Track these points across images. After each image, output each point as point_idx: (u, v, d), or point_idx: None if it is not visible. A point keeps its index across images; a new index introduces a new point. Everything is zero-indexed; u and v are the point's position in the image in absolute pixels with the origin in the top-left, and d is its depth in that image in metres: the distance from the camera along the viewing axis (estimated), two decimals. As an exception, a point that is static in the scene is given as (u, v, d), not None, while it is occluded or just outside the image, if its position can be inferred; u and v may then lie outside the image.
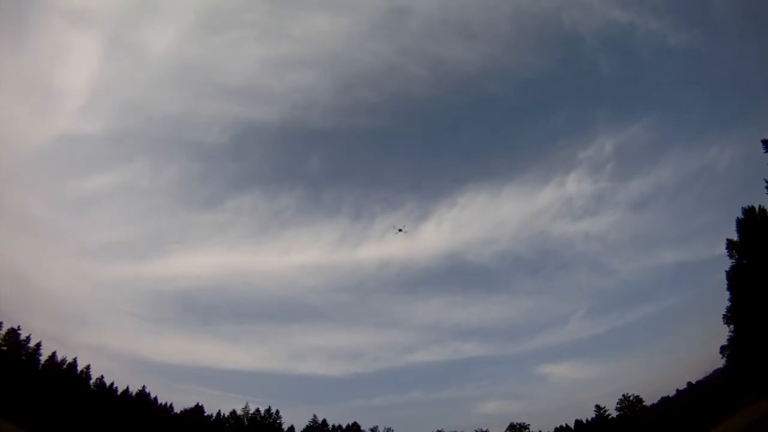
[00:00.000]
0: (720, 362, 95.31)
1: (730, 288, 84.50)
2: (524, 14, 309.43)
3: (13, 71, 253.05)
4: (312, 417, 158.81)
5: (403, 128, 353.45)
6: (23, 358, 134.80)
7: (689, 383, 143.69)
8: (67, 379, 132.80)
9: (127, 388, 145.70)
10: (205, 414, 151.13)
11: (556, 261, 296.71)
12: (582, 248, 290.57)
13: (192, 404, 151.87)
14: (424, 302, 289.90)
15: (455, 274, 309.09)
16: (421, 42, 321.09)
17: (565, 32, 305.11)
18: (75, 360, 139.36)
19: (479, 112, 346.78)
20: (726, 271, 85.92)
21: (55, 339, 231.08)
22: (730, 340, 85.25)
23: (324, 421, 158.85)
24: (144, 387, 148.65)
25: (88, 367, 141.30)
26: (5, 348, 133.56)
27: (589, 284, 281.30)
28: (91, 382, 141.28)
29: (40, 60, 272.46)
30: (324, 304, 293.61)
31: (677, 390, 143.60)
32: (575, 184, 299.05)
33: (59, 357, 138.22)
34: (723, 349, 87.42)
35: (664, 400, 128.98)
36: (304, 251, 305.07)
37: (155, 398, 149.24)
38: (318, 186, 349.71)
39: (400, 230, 52.55)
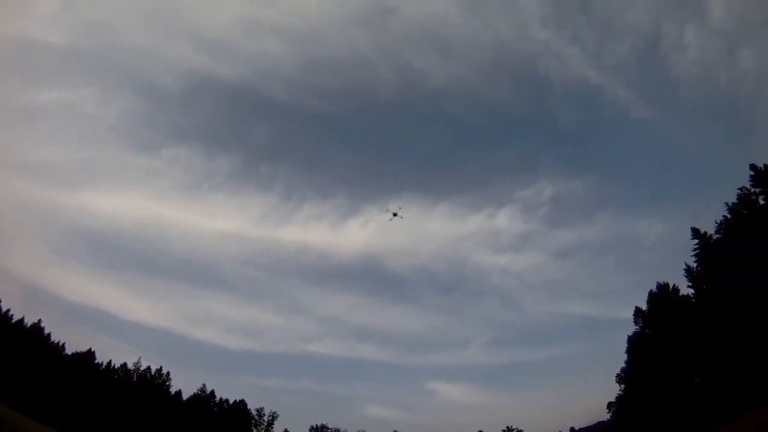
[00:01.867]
0: (605, 416, 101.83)
1: (628, 351, 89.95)
2: (504, 47, 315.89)
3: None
4: (201, 385, 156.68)
5: (355, 123, 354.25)
6: None
7: (572, 428, 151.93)
8: None
9: (23, 319, 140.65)
10: (96, 361, 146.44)
11: (470, 287, 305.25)
12: (497, 281, 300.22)
13: (85, 348, 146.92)
14: (332, 296, 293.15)
15: (369, 276, 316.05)
16: (398, 45, 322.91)
17: (537, 75, 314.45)
18: None
19: (434, 127, 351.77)
20: (628, 336, 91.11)
21: None
22: (618, 398, 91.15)
23: (212, 392, 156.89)
24: (40, 320, 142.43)
25: None
26: None
27: (496, 316, 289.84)
28: None
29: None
30: (235, 275, 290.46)
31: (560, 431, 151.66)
32: (506, 219, 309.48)
33: None
34: (610, 405, 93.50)
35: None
36: (227, 218, 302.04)
37: (49, 334, 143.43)
38: (257, 157, 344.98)
39: (395, 214, 50.79)
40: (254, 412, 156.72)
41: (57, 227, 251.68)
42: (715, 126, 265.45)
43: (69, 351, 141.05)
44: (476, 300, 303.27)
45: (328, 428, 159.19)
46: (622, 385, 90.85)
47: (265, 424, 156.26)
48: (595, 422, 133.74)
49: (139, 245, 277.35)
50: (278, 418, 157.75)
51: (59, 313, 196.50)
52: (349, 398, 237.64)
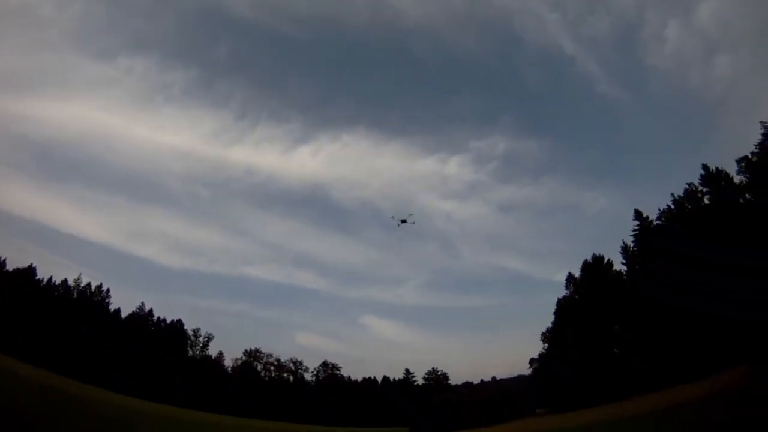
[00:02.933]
0: (525, 370, 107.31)
1: (556, 313, 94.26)
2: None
3: None
4: (140, 304, 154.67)
5: (320, 50, 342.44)
6: None
7: (494, 378, 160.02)
8: None
9: None
10: (37, 277, 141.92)
11: (413, 228, 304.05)
12: (440, 226, 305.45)
13: (25, 264, 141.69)
14: (276, 221, 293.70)
15: (315, 205, 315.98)
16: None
17: (511, 33, 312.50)
18: None
19: (398, 66, 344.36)
20: (558, 299, 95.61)
21: None
22: (541, 356, 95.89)
23: (151, 310, 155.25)
24: None
25: None
26: None
27: (434, 259, 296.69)
28: None
29: None
30: (181, 192, 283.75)
31: (481, 380, 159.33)
32: (456, 167, 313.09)
33: None
34: (532, 361, 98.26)
35: (467, 385, 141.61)
36: (178, 134, 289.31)
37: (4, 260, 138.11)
38: (216, 73, 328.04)
39: (403, 221, 48.86)
40: (190, 333, 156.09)
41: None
42: (677, 121, 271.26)
43: (9, 267, 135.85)
44: (417, 241, 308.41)
45: (261, 353, 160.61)
46: (546, 344, 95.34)
47: (201, 345, 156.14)
48: (515, 375, 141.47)
49: (84, 157, 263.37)
50: (213, 340, 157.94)
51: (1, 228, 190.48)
52: (284, 324, 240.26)
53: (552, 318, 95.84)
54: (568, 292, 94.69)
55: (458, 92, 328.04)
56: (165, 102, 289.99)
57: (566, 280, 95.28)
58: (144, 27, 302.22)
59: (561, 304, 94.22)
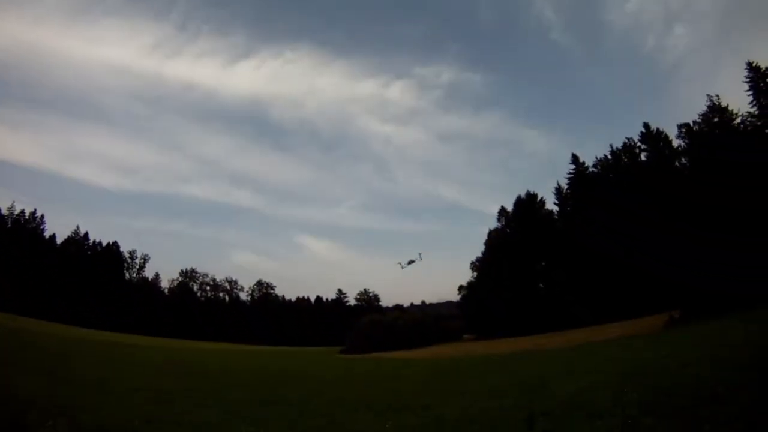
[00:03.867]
0: (454, 296, 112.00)
1: (486, 244, 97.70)
2: None
3: None
4: (75, 228, 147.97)
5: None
6: None
7: (423, 302, 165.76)
8: None
9: None
10: None
11: (350, 149, 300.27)
12: (378, 149, 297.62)
13: None
14: (214, 137, 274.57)
15: (252, 121, 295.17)
16: None
17: None
18: None
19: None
20: (489, 230, 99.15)
21: None
22: (469, 283, 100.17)
23: (86, 234, 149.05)
24: None
25: None
26: None
27: (370, 182, 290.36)
28: None
29: None
30: (116, 108, 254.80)
31: (411, 303, 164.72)
32: (399, 92, 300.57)
33: None
34: (461, 288, 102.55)
35: (398, 307, 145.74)
36: (116, 47, 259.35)
37: None
38: None
39: (410, 262, 45.10)
40: (126, 255, 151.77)
41: None
42: (626, 79, 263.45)
43: None
44: (354, 163, 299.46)
45: (197, 273, 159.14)
46: (475, 273, 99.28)
47: (137, 267, 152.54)
48: (444, 301, 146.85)
49: (16, 75, 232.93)
50: (150, 261, 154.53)
51: None
52: (219, 243, 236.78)
53: (482, 248, 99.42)
54: (500, 225, 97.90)
55: (408, 17, 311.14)
56: (103, 14, 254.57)
57: (498, 213, 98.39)
58: None
59: (491, 235, 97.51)
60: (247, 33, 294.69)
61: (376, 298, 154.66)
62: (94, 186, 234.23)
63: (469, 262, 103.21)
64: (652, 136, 66.47)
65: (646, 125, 67.78)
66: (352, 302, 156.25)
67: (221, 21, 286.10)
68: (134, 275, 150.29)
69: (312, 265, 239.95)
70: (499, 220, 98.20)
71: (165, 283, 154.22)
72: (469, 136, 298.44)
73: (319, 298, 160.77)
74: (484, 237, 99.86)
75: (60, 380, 17.41)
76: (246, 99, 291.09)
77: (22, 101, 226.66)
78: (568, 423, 9.75)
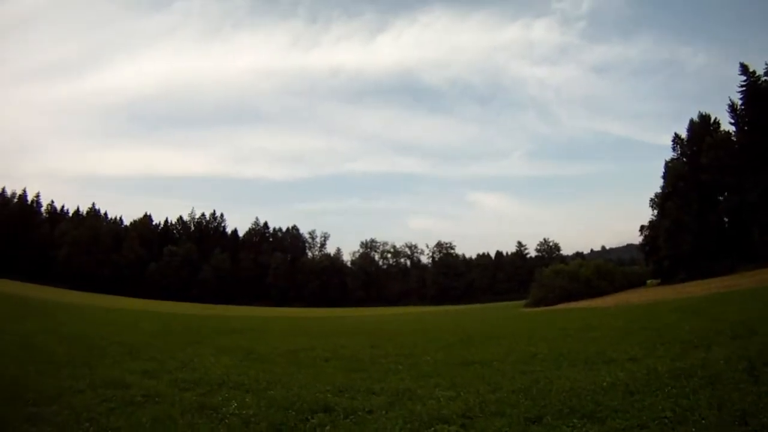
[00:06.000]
0: (634, 238, 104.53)
1: (664, 177, 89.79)
2: None
3: None
4: (254, 219, 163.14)
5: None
6: None
7: (603, 247, 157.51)
8: (17, 212, 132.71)
9: (78, 208, 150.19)
10: (154, 222, 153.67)
11: (507, 98, 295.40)
12: (534, 93, 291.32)
13: (141, 215, 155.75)
14: (370, 113, 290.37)
15: (405, 91, 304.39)
16: None
17: None
18: (24, 191, 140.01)
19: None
20: (665, 161, 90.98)
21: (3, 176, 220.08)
22: (651, 222, 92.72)
23: (266, 223, 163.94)
24: (93, 204, 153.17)
25: (37, 196, 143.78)
26: None
27: (534, 128, 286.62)
28: (42, 209, 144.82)
29: None
30: (272, 107, 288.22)
31: (591, 249, 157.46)
32: (542, 31, 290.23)
33: (8, 192, 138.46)
34: (641, 228, 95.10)
35: (578, 255, 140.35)
36: (255, 54, 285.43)
37: (105, 213, 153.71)
38: None
39: None
40: (307, 236, 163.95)
41: (88, 115, 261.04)
42: None
43: (127, 221, 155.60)
44: (514, 111, 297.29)
45: (376, 242, 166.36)
46: (655, 211, 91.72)
47: (319, 245, 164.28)
48: (624, 244, 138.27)
49: (172, 103, 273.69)
50: (330, 238, 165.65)
51: (113, 191, 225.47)
52: (394, 212, 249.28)
53: (660, 183, 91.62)
54: (676, 154, 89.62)
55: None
56: (234, 29, 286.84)
57: (672, 141, 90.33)
58: None
59: (668, 166, 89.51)
60: (376, 9, 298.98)
61: (557, 247, 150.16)
62: (266, 180, 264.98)
63: (648, 199, 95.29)
64: None
65: None
66: (533, 254, 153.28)
67: (348, 4, 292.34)
68: (316, 253, 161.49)
69: (488, 221, 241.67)
70: (674, 148, 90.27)
71: (347, 257, 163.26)
72: (624, 64, 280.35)
73: (499, 253, 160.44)
74: (661, 170, 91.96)
75: (252, 357, 18.73)
76: (393, 70, 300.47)
77: (188, 122, 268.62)
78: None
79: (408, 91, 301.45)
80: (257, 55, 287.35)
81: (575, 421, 8.38)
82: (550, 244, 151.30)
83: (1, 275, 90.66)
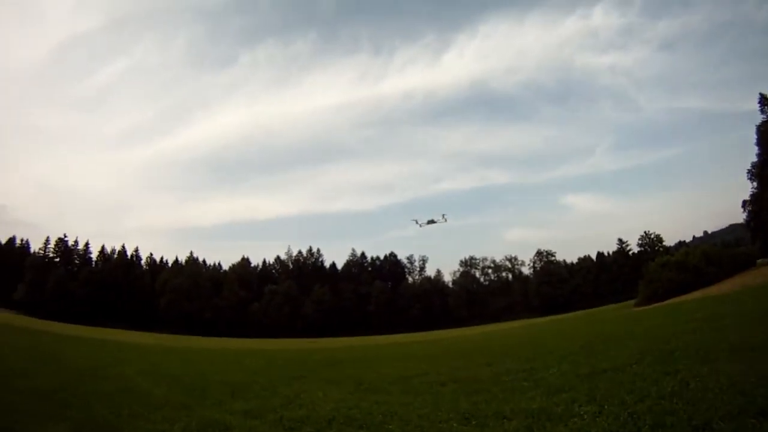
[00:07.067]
0: (739, 217, 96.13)
1: (759, 143, 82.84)
2: None
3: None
4: (351, 251, 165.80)
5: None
6: (76, 261, 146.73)
7: (705, 232, 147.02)
8: (119, 265, 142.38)
9: (177, 258, 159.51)
10: (252, 264, 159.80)
11: (580, 92, 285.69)
12: (607, 82, 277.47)
13: (238, 258, 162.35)
14: (449, 132, 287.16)
15: (478, 103, 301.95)
16: None
17: None
18: (123, 247, 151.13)
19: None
20: (756, 126, 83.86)
21: (101, 234, 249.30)
22: (753, 195, 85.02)
23: (363, 253, 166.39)
24: (191, 252, 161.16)
25: (136, 250, 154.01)
26: (57, 258, 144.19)
27: (613, 118, 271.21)
28: (142, 262, 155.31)
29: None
30: (351, 141, 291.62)
31: (693, 236, 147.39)
32: (601, 17, 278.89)
33: (108, 249, 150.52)
34: (744, 204, 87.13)
35: (681, 244, 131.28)
36: (326, 93, 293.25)
37: (204, 260, 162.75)
38: (332, 26, 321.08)
39: (430, 222, 43.41)
40: (405, 261, 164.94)
41: (175, 171, 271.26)
42: None
43: (225, 266, 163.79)
44: (589, 105, 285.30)
45: (476, 259, 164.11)
46: (755, 182, 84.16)
47: (418, 269, 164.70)
48: (727, 225, 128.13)
49: (253, 151, 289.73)
50: (428, 261, 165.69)
51: (208, 239, 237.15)
52: (488, 227, 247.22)
53: (755, 150, 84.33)
54: (766, 116, 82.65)
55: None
56: (301, 72, 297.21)
57: (759, 103, 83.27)
58: (243, 20, 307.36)
59: (761, 130, 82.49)
60: (435, 28, 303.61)
61: (658, 239, 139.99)
62: (357, 212, 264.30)
63: (745, 171, 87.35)
64: None
65: None
66: (635, 249, 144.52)
67: (407, 29, 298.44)
68: (416, 277, 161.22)
69: (584, 222, 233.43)
70: (762, 110, 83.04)
71: (447, 277, 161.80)
72: (689, 35, 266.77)
73: (600, 254, 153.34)
74: (753, 137, 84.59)
75: (362, 388, 17.65)
76: (463, 86, 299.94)
77: (269, 166, 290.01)
78: None
79: (482, 103, 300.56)
80: (328, 94, 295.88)
81: (750, 420, 7.32)
82: (652, 236, 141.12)
83: (105, 324, 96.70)
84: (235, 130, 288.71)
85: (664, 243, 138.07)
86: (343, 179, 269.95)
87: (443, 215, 40.44)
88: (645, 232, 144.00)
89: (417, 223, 37.76)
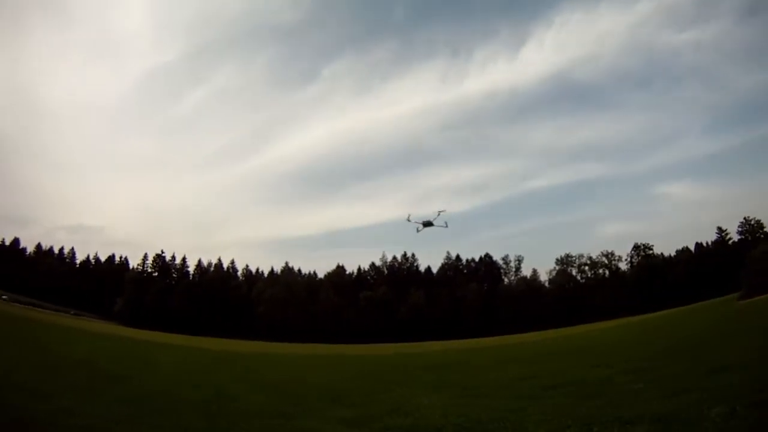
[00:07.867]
0: None
1: None
2: None
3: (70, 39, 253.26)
4: (446, 254, 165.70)
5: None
6: (174, 274, 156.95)
7: None
8: (216, 277, 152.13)
9: (272, 268, 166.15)
10: (347, 272, 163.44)
11: (666, 74, 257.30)
12: (691, 61, 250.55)
13: (333, 266, 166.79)
14: (536, 127, 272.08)
15: (563, 95, 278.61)
16: None
17: None
18: (219, 260, 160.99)
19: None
20: None
21: (197, 249, 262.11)
22: None
23: (458, 256, 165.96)
24: (287, 262, 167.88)
25: (232, 262, 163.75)
26: (155, 273, 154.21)
27: (702, 99, 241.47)
28: (239, 273, 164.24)
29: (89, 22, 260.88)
30: (439, 144, 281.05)
31: None
32: None
33: (205, 262, 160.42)
34: None
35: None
36: (409, 98, 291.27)
37: (299, 269, 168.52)
38: (408, 33, 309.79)
39: (427, 224, 40.25)
40: (501, 262, 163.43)
41: (268, 185, 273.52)
42: None
43: (321, 274, 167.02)
44: (677, 86, 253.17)
45: (572, 256, 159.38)
46: None
47: (513, 269, 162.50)
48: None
49: (343, 160, 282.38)
50: (524, 260, 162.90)
51: (303, 249, 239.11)
52: (582, 223, 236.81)
53: None
54: None
55: None
56: (382, 81, 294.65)
57: None
58: (320, 35, 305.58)
59: None
60: (510, 23, 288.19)
61: (759, 225, 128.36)
62: (451, 213, 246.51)
63: None
64: None
65: None
66: (735, 237, 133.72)
67: (482, 28, 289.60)
68: (512, 278, 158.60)
69: (679, 212, 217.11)
70: None
71: (543, 277, 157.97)
72: None
73: (698, 244, 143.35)
74: None
75: (468, 393, 17.00)
76: (546, 79, 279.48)
77: (360, 175, 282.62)
78: None
79: (566, 94, 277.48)
80: (413, 99, 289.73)
81: None
82: (752, 222, 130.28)
83: (203, 333, 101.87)
84: (325, 142, 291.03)
85: (765, 229, 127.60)
86: (434, 182, 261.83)
87: (445, 222, 35.71)
88: (745, 218, 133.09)
89: (410, 221, 33.93)
